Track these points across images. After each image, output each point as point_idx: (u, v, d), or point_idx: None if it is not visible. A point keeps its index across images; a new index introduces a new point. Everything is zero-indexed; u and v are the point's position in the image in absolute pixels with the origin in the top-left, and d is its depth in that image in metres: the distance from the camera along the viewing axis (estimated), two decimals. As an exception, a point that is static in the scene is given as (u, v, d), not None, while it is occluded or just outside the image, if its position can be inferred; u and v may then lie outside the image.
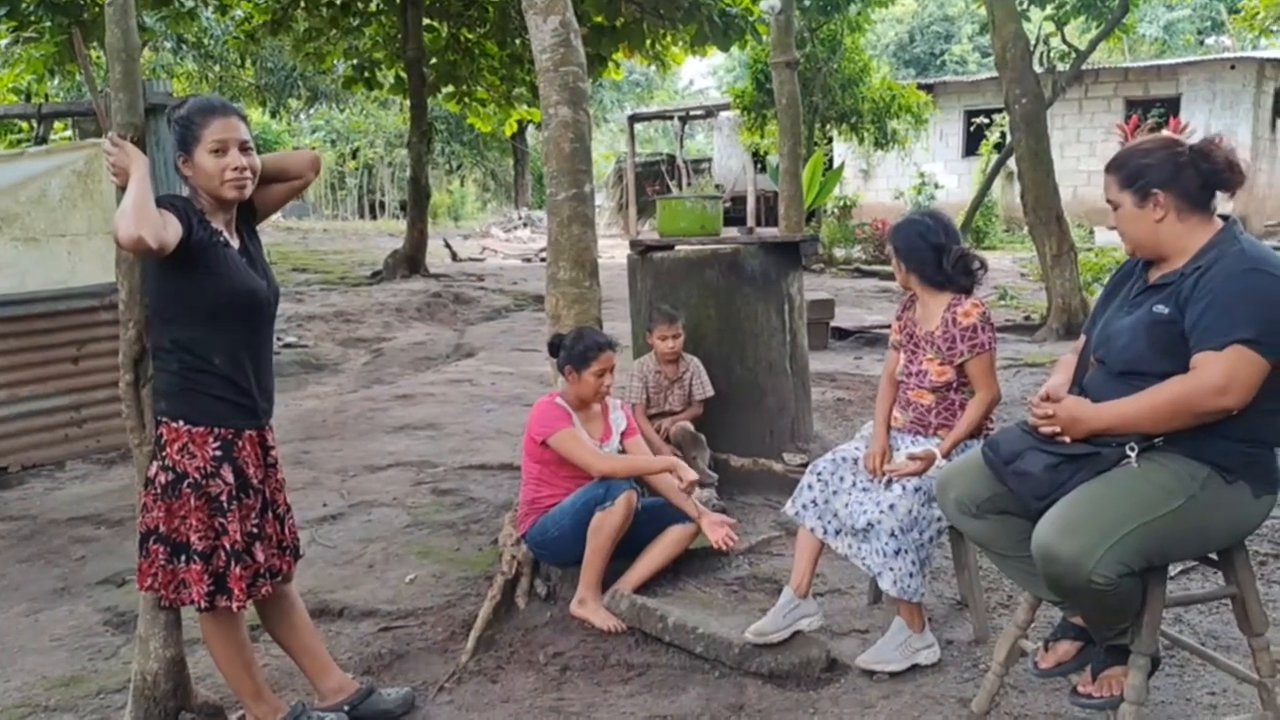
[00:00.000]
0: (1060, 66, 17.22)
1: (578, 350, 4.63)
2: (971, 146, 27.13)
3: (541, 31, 5.17)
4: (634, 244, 6.55)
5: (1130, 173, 3.05)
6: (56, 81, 20.62)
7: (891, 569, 3.87)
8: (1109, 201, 3.14)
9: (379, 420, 8.44)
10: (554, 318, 5.14)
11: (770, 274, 6.21)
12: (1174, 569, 4.57)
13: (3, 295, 6.26)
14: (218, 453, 3.26)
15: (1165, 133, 3.15)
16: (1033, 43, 13.42)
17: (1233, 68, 24.63)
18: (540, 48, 5.19)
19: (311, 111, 40.21)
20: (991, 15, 12.23)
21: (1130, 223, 3.08)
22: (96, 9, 14.38)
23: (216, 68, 30.24)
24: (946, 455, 3.98)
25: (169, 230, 3.00)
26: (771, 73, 16.52)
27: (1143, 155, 3.05)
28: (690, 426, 5.81)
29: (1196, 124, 3.18)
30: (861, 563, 4.02)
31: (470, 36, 18.99)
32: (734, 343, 6.18)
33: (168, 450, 3.25)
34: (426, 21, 18.41)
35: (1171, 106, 24.02)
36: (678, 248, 6.41)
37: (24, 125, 18.13)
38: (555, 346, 4.79)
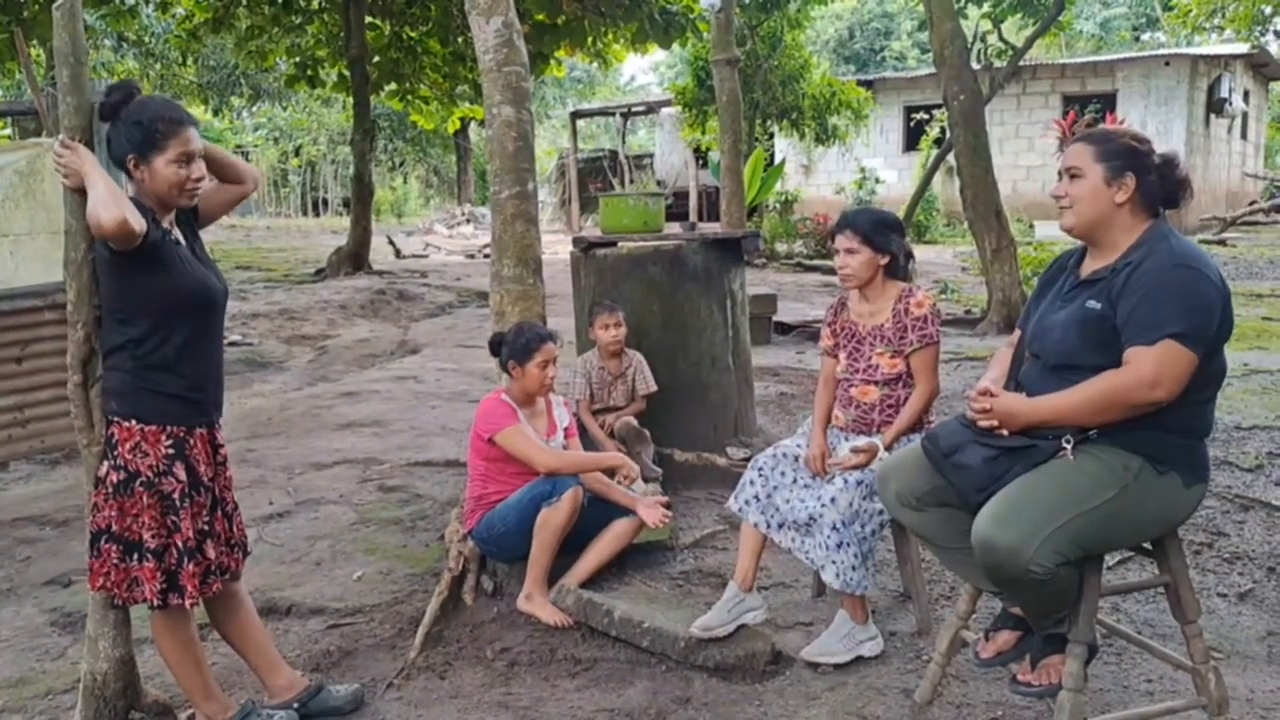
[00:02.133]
0: (998, 63, 17.41)
1: (519, 344, 4.66)
2: (911, 142, 27.40)
3: (484, 32, 5.18)
4: (577, 241, 6.56)
5: (1113, 149, 3.06)
6: (-4, 80, 20.37)
7: (834, 562, 3.91)
8: (1069, 169, 3.12)
9: (324, 418, 8.41)
10: (498, 314, 5.15)
11: (712, 270, 6.25)
12: (1111, 559, 4.66)
13: (-56, 296, 6.18)
14: (170, 451, 3.27)
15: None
16: (970, 40, 13.55)
17: (1167, 64, 25.04)
18: (483, 48, 5.20)
19: (254, 109, 39.88)
20: (929, 12, 12.31)
21: (1090, 196, 3.07)
22: (37, 7, 14.18)
23: (158, 66, 29.89)
24: (889, 448, 4.04)
25: (140, 219, 3.05)
26: (712, 69, 16.55)
27: (1130, 138, 3.09)
28: (634, 422, 5.84)
29: (1133, 119, 3.23)
30: (805, 556, 4.07)
31: (413, 34, 18.96)
32: (677, 338, 6.21)
33: (119, 449, 3.25)
34: (369, 19, 18.35)
35: (1108, 102, 24.37)
36: (621, 244, 6.43)
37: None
38: (497, 345, 4.80)
